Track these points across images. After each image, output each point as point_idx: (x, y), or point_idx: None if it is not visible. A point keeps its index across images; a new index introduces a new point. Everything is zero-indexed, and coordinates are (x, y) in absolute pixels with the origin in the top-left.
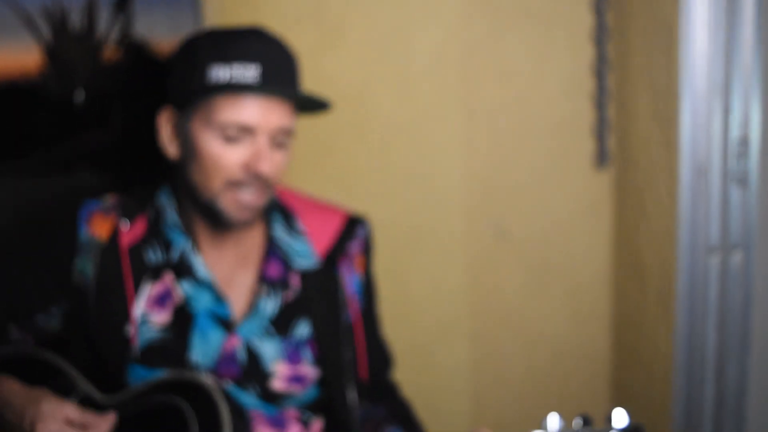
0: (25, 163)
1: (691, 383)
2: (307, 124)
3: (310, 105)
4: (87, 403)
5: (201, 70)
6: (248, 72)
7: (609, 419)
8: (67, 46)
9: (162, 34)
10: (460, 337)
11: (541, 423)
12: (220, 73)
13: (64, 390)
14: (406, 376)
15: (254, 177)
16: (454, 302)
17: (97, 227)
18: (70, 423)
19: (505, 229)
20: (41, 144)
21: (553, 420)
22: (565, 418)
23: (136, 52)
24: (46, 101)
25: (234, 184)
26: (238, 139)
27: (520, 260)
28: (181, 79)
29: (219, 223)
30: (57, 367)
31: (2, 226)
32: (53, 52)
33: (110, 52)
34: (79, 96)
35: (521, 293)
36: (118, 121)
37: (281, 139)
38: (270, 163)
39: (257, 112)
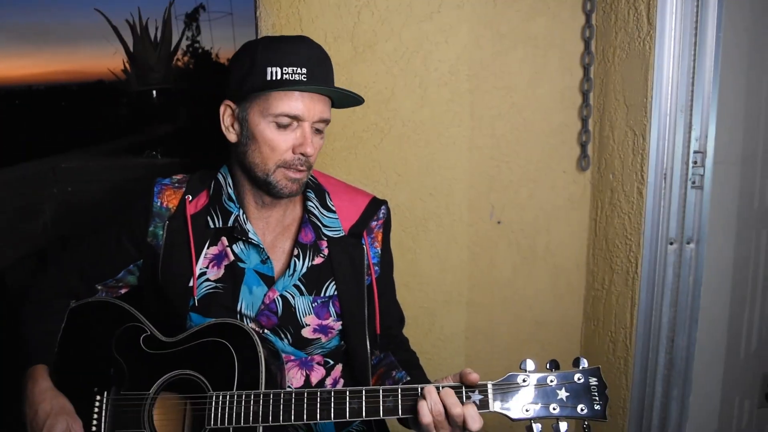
0: (111, 147)
1: (648, 349)
2: (342, 123)
3: (343, 101)
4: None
5: (259, 69)
6: (298, 72)
7: (573, 363)
8: (145, 51)
9: (223, 44)
10: (459, 305)
11: (520, 365)
12: (276, 72)
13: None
14: (413, 335)
15: (301, 157)
16: (456, 276)
17: (168, 199)
18: None
19: (500, 216)
20: (124, 131)
21: (530, 363)
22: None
23: (201, 58)
24: (128, 97)
25: (284, 164)
26: (288, 127)
27: (512, 244)
28: (242, 77)
29: (270, 195)
30: (130, 313)
31: (92, 198)
32: (134, 57)
33: (180, 57)
34: (155, 93)
35: (512, 271)
36: (186, 114)
37: (320, 127)
38: (313, 146)
39: (304, 105)
